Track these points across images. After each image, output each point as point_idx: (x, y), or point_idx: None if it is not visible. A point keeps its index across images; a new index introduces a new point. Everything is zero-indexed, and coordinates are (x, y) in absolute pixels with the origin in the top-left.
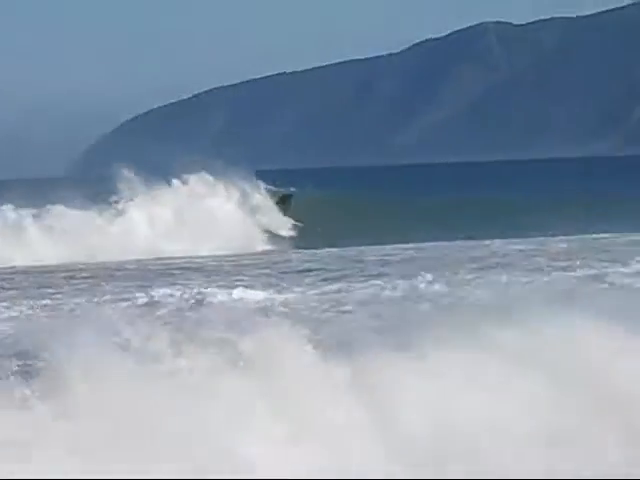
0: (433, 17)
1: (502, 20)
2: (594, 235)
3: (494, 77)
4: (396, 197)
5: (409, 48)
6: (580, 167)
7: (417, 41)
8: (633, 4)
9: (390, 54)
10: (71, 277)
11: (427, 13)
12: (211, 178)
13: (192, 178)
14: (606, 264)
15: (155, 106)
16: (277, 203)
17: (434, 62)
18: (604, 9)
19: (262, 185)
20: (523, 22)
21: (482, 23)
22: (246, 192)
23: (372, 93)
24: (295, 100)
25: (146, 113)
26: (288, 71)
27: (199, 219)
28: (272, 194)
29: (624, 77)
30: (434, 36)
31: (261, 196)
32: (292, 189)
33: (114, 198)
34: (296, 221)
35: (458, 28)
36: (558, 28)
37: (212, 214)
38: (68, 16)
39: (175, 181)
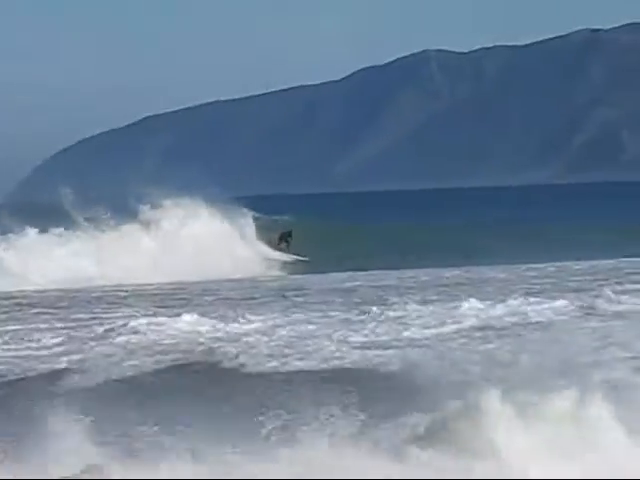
0: (375, 45)
1: (444, 48)
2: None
3: (436, 105)
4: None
5: (351, 75)
6: (520, 195)
7: (360, 68)
8: (575, 32)
9: (332, 81)
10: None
11: (369, 41)
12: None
13: (182, 202)
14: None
15: (88, 135)
16: (279, 240)
17: (376, 90)
18: (545, 37)
19: (250, 213)
20: (465, 50)
21: (424, 51)
22: (237, 221)
23: (314, 121)
24: (233, 129)
25: (80, 142)
26: (223, 99)
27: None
28: (272, 232)
29: (565, 105)
30: (376, 64)
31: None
32: (285, 217)
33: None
34: (301, 256)
35: (400, 56)
36: (500, 56)
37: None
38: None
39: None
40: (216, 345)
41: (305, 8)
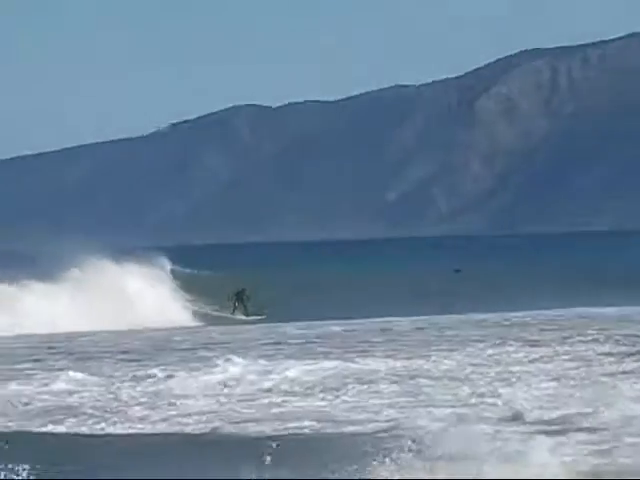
0: (185, 99)
1: (255, 103)
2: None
3: (244, 160)
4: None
5: (158, 131)
6: (330, 249)
7: (170, 122)
8: (386, 88)
9: (140, 137)
10: None
11: (179, 95)
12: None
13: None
14: None
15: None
16: (235, 300)
17: (186, 144)
18: (356, 93)
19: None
20: (275, 105)
21: (234, 106)
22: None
23: (124, 173)
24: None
25: None
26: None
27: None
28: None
29: (376, 161)
30: (186, 118)
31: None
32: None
33: None
34: (258, 315)
35: (211, 111)
36: (310, 112)
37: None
38: None
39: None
40: None
41: (115, 60)
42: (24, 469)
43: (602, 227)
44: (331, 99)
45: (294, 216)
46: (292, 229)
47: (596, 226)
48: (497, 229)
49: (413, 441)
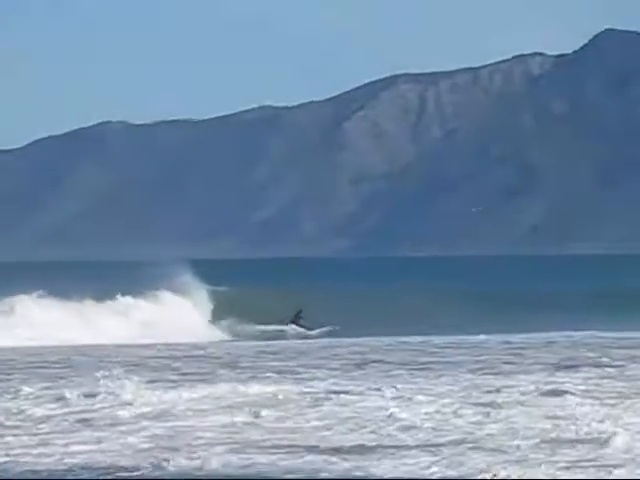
0: (53, 115)
1: (125, 120)
2: None
3: (114, 176)
4: None
5: (28, 145)
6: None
7: (36, 138)
8: (256, 109)
9: (9, 150)
10: None
11: (45, 111)
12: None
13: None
14: None
15: None
16: (294, 319)
17: (56, 159)
18: (226, 112)
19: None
20: (146, 122)
21: (106, 122)
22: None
23: None
24: None
25: None
26: None
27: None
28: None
29: (245, 181)
30: (54, 133)
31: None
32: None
33: None
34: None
35: (81, 126)
36: (180, 130)
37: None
38: None
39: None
40: None
41: None
42: None
43: (470, 251)
44: (200, 118)
45: (164, 233)
46: (162, 247)
47: (462, 250)
48: (362, 252)
49: None
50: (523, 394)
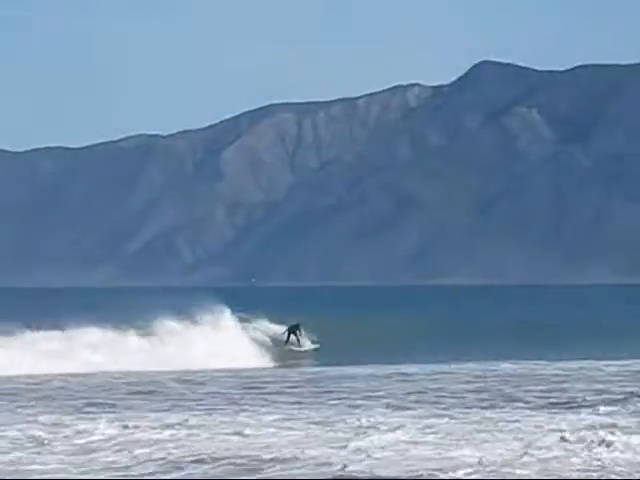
0: None
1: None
2: None
3: None
4: None
5: None
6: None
7: None
8: (132, 137)
9: None
10: None
11: None
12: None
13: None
14: None
15: None
16: (289, 333)
17: None
18: (102, 140)
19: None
20: (20, 149)
21: None
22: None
23: None
24: None
25: None
26: None
27: None
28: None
29: (121, 209)
30: None
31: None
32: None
33: None
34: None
35: None
36: (55, 157)
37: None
38: None
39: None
40: None
41: None
42: None
43: (346, 282)
44: (75, 146)
45: (42, 262)
46: (39, 275)
47: (339, 280)
48: (240, 280)
49: None
50: None
